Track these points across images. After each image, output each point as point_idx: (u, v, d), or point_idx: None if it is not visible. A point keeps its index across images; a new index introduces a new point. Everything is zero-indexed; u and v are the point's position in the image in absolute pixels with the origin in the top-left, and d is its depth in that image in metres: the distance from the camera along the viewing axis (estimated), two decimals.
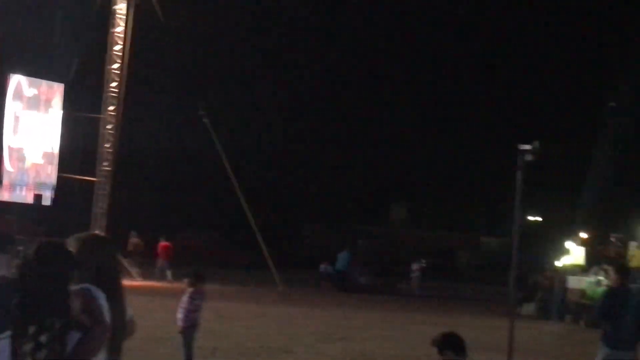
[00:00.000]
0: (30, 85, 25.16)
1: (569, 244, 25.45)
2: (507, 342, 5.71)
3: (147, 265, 25.62)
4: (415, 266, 29.32)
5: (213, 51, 39.42)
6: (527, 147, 5.47)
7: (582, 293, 20.45)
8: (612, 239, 24.52)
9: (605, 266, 18.56)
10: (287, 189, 44.48)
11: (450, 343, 5.10)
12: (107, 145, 26.09)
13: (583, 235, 27.75)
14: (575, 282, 21.38)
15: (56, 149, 26.35)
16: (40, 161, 25.93)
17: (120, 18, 25.76)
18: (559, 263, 25.77)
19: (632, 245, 22.61)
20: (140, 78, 30.34)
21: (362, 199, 49.04)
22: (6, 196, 24.52)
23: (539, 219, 43.51)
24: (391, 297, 25.65)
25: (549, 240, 30.13)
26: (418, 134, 47.57)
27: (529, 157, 5.45)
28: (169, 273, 24.77)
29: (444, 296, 28.14)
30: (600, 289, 17.08)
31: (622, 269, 9.40)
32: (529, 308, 22.36)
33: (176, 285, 17.26)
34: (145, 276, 24.44)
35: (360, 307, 20.38)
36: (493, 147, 39.42)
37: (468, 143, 46.65)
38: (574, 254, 24.47)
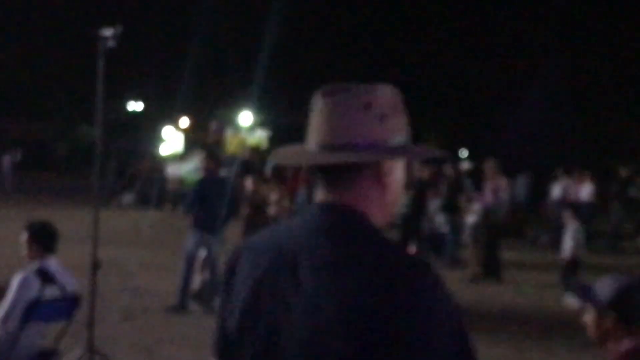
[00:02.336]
0: None
1: (169, 131, 26.33)
2: (92, 232, 5.86)
3: None
4: (6, 160, 27.99)
5: None
6: (109, 32, 5.32)
7: (181, 180, 21.42)
8: (212, 126, 25.91)
9: (202, 153, 19.62)
10: None
11: (40, 234, 5.09)
12: None
13: (183, 121, 28.89)
14: (174, 170, 22.27)
15: None
16: None
17: None
18: (158, 151, 26.61)
19: (230, 131, 24.14)
20: None
21: None
22: None
23: (140, 105, 43.95)
24: None
25: (150, 128, 30.79)
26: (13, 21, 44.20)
27: (111, 44, 5.30)
28: None
29: (40, 190, 27.41)
30: (197, 176, 18.05)
31: (214, 155, 10.08)
32: (129, 197, 22.85)
33: None
34: None
35: None
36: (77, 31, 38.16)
37: (50, 28, 44.39)
38: (174, 141, 25.40)
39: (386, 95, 1.69)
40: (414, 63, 36.76)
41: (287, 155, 1.81)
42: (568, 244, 10.89)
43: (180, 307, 8.89)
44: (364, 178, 1.66)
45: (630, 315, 2.83)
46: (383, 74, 35.99)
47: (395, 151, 1.68)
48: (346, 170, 1.66)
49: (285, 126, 30.78)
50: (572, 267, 10.76)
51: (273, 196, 9.54)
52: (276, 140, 25.67)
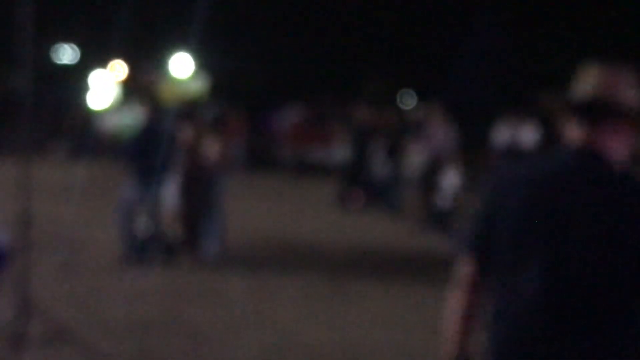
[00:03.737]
0: None
1: (103, 80, 25.89)
2: (24, 184, 5.85)
3: None
4: None
5: None
6: None
7: (117, 131, 21.20)
8: (148, 75, 25.52)
9: (139, 103, 19.42)
10: None
11: None
12: None
13: (118, 70, 28.35)
14: (109, 121, 22.02)
15: None
16: None
17: None
18: (93, 100, 26.19)
19: (165, 81, 23.86)
20: None
21: None
22: None
23: (73, 51, 42.84)
24: None
25: (84, 76, 30.13)
26: None
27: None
28: None
29: None
30: (134, 127, 17.86)
31: (153, 104, 10.10)
32: (61, 149, 22.54)
33: None
34: None
35: None
36: None
37: None
38: (108, 90, 25.02)
39: (632, 71, 2.43)
40: (356, 4, 36.60)
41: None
42: (450, 190, 11.07)
43: (129, 258, 8.92)
44: (611, 125, 2.38)
45: None
46: (328, 12, 35.69)
47: (632, 112, 2.38)
48: (604, 118, 2.38)
49: (227, 69, 30.40)
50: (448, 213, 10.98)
51: (213, 146, 9.55)
52: (218, 85, 25.35)
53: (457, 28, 35.90)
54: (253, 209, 13.51)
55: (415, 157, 13.32)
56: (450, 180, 11.37)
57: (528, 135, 18.39)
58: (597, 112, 2.39)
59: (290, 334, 6.72)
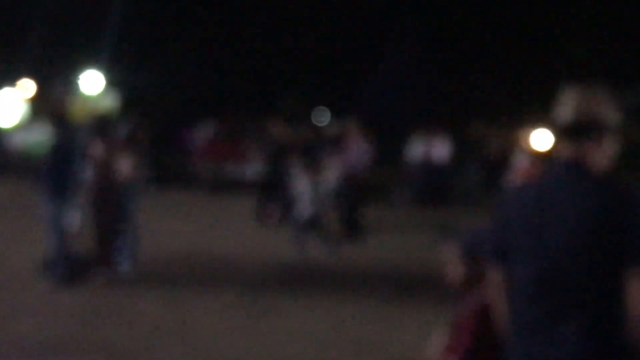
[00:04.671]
0: None
1: (10, 98, 25.32)
2: None
3: None
4: None
5: None
6: None
7: (26, 149, 20.77)
8: (57, 92, 25.04)
9: (48, 120, 19.09)
10: None
11: None
12: None
13: (27, 88, 27.75)
14: (19, 140, 21.58)
15: None
16: None
17: None
18: (0, 118, 25.57)
19: (76, 97, 23.45)
20: None
21: None
22: None
23: None
24: None
25: None
26: None
27: None
28: None
29: None
30: (44, 144, 17.54)
31: (63, 122, 10.01)
32: None
33: None
34: None
35: None
36: None
37: None
38: (16, 107, 24.48)
39: (606, 92, 2.79)
40: (270, 22, 36.77)
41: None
42: (308, 202, 11.31)
43: (68, 278, 8.75)
44: (593, 141, 2.73)
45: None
46: (237, 28, 35.70)
47: (610, 127, 2.76)
48: (584, 135, 2.73)
49: (139, 86, 30.08)
50: (312, 224, 11.19)
51: (125, 162, 9.48)
52: (129, 101, 25.11)
53: (370, 46, 36.44)
54: (169, 225, 13.42)
55: (331, 173, 13.46)
56: (304, 188, 11.57)
57: (440, 149, 18.86)
58: (580, 130, 2.75)
59: (206, 349, 6.72)
